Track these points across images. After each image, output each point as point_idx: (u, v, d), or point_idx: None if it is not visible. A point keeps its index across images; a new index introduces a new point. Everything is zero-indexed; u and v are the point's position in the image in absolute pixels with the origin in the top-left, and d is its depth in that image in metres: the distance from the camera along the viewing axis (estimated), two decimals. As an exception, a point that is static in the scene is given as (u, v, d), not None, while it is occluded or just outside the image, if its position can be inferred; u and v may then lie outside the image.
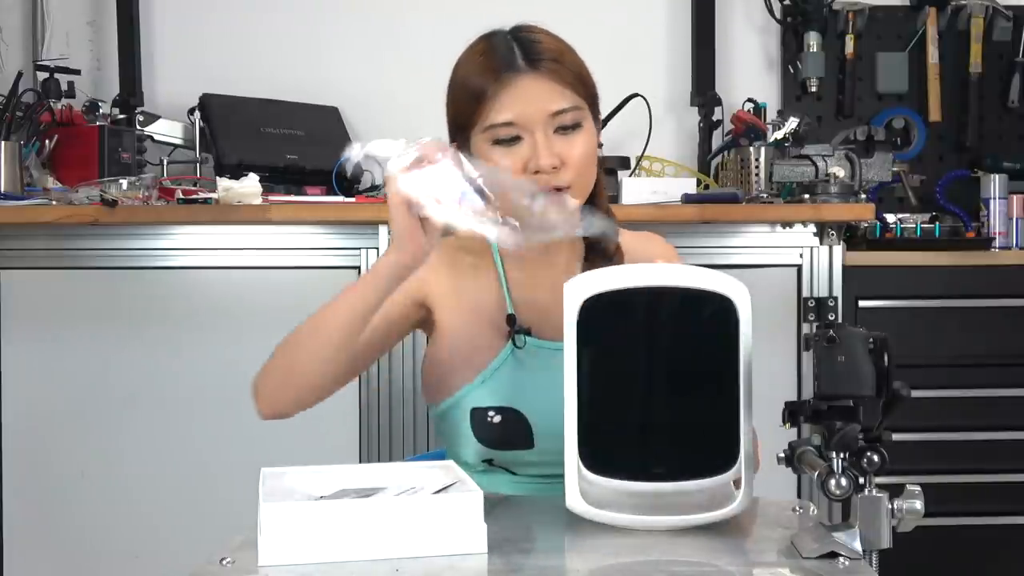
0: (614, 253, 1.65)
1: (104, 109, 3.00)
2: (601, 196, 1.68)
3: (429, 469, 1.45)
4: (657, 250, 1.69)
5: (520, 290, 1.65)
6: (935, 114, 3.37)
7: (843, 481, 1.24)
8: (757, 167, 2.97)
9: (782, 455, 1.35)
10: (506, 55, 1.54)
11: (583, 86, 1.56)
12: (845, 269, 2.77)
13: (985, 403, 2.87)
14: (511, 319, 1.62)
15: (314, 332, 1.50)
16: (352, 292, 1.48)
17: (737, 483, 1.37)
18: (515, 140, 1.54)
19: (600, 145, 2.99)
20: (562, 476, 1.55)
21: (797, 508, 1.47)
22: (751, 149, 2.99)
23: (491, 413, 1.58)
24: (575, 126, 1.56)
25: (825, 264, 2.76)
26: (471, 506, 1.28)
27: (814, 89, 3.34)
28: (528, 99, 1.53)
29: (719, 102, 3.27)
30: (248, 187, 2.64)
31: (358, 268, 2.67)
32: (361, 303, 1.47)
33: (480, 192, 1.37)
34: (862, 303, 2.82)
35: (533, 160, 1.53)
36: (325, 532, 1.24)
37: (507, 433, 1.57)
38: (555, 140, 1.54)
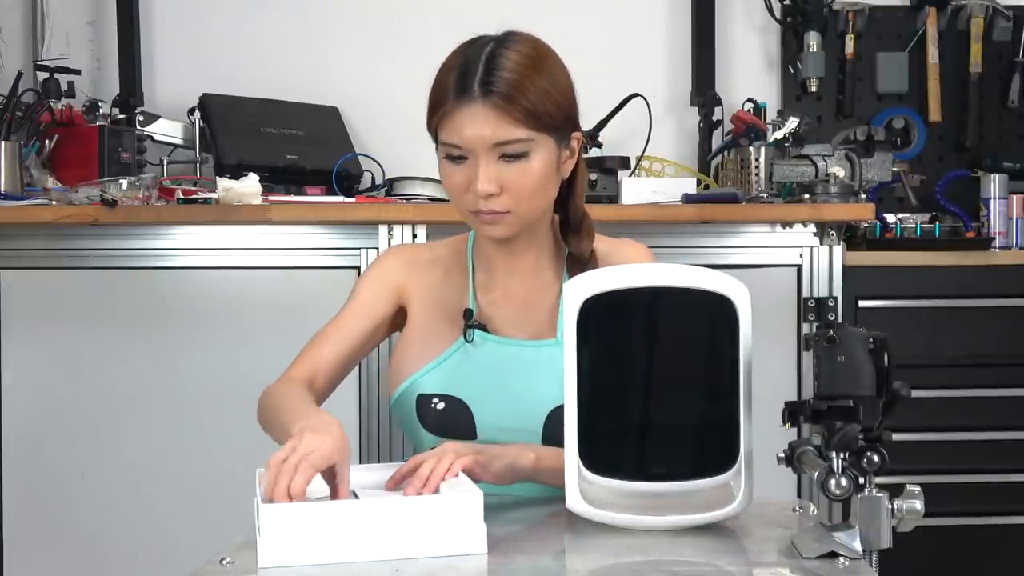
0: (588, 259, 1.69)
1: (104, 109, 3.00)
2: (575, 213, 1.71)
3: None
4: (631, 254, 1.74)
5: (484, 290, 1.72)
6: (935, 114, 3.36)
7: (843, 481, 1.24)
8: (757, 167, 2.97)
9: (782, 455, 1.35)
10: (467, 77, 1.57)
11: (537, 119, 1.57)
12: (845, 269, 2.77)
13: (985, 403, 2.87)
14: (467, 313, 1.68)
15: (270, 425, 1.60)
16: (282, 428, 1.50)
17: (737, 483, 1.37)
18: (463, 159, 1.59)
19: (599, 145, 3.01)
20: None
21: (797, 508, 1.47)
22: (751, 149, 2.99)
23: (435, 400, 1.65)
24: (521, 155, 1.58)
25: (825, 264, 2.76)
26: (471, 506, 1.28)
27: (814, 89, 3.33)
28: (474, 126, 1.56)
29: (719, 102, 3.26)
30: (248, 187, 2.64)
31: (358, 268, 2.67)
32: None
33: None
34: (862, 303, 2.81)
35: (473, 183, 1.58)
36: (325, 533, 1.24)
37: (449, 420, 1.63)
38: (500, 166, 1.58)
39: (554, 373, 1.60)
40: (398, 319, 1.76)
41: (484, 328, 1.67)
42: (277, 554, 1.23)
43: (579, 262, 1.68)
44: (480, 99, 1.55)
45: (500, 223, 1.61)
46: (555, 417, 1.58)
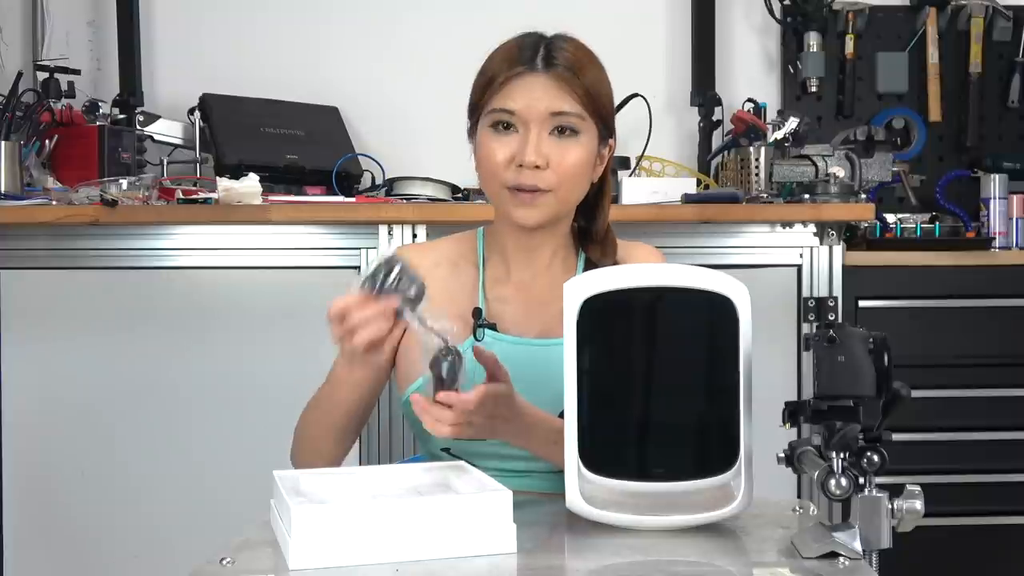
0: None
1: (104, 109, 3.00)
2: (601, 215, 1.73)
3: (442, 470, 1.45)
4: (642, 256, 1.75)
5: (495, 286, 1.71)
6: (935, 114, 3.37)
7: (843, 481, 1.24)
8: (757, 167, 2.97)
9: (782, 455, 1.35)
10: (529, 53, 1.61)
11: (592, 101, 1.62)
12: (845, 269, 2.77)
13: (985, 403, 2.87)
14: (476, 312, 1.67)
15: (320, 425, 1.62)
16: (331, 396, 1.59)
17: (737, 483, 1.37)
18: (511, 129, 1.61)
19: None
20: (520, 471, 1.60)
21: (797, 508, 1.47)
22: (751, 149, 2.99)
23: None
24: (572, 132, 1.61)
25: (825, 264, 2.76)
26: (500, 506, 1.28)
27: (814, 89, 3.34)
28: (533, 94, 1.59)
29: (719, 102, 3.27)
30: (248, 187, 2.64)
31: (358, 268, 2.67)
32: (341, 408, 1.59)
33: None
34: (862, 303, 2.82)
35: (520, 154, 1.59)
36: (356, 534, 1.24)
37: None
38: (548, 141, 1.60)
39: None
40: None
41: (494, 327, 1.66)
42: (308, 556, 1.22)
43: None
44: (543, 71, 1.60)
45: (536, 205, 1.61)
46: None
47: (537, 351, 1.65)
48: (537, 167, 1.59)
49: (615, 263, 1.70)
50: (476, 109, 1.65)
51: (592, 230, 1.73)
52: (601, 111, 1.63)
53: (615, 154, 2.90)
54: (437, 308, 1.42)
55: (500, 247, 1.71)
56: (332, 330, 1.42)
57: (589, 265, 1.70)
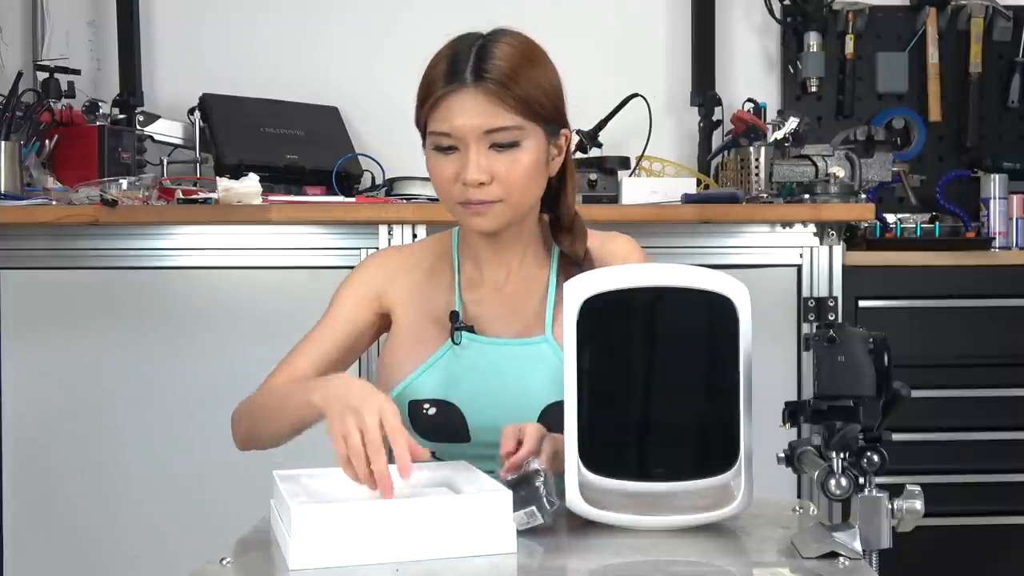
0: (583, 259, 1.68)
1: (104, 109, 3.00)
2: (567, 213, 1.71)
3: (442, 470, 1.46)
4: (621, 249, 1.73)
5: (471, 287, 1.71)
6: (935, 114, 3.37)
7: (843, 481, 1.24)
8: (757, 167, 2.96)
9: (782, 455, 1.35)
10: (459, 65, 1.58)
11: (528, 107, 1.58)
12: (845, 269, 2.77)
13: (985, 403, 2.87)
14: (453, 315, 1.67)
15: (269, 420, 1.66)
16: (300, 406, 1.54)
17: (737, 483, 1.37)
18: (452, 149, 1.59)
19: (599, 145, 3.00)
20: None
21: (797, 508, 1.47)
22: (751, 149, 2.99)
23: (426, 405, 1.63)
24: (512, 144, 1.58)
25: (825, 264, 2.76)
26: (500, 506, 1.28)
27: (814, 89, 3.34)
28: (464, 114, 1.57)
29: (719, 102, 3.27)
30: (248, 187, 2.64)
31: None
32: (303, 424, 1.59)
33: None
34: (862, 303, 2.82)
35: (463, 172, 1.58)
36: (357, 534, 1.24)
37: (442, 425, 1.63)
38: (489, 156, 1.58)
39: (544, 370, 1.61)
40: (383, 325, 1.75)
41: (471, 329, 1.66)
42: (308, 556, 1.22)
43: (573, 262, 1.67)
44: (472, 86, 1.56)
45: (488, 214, 1.60)
46: (548, 414, 1.58)
47: (515, 351, 1.65)
48: (482, 183, 1.58)
49: (587, 250, 1.69)
50: (421, 126, 1.64)
51: (558, 220, 1.72)
52: (542, 112, 1.60)
53: (617, 154, 2.96)
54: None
55: (472, 250, 1.72)
56: None
57: (563, 257, 1.70)
